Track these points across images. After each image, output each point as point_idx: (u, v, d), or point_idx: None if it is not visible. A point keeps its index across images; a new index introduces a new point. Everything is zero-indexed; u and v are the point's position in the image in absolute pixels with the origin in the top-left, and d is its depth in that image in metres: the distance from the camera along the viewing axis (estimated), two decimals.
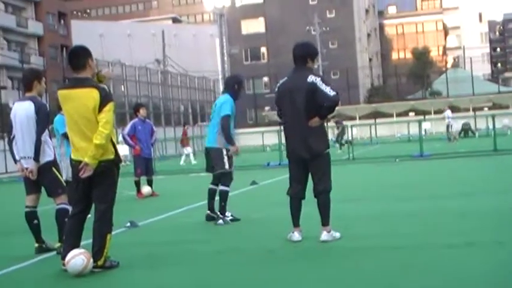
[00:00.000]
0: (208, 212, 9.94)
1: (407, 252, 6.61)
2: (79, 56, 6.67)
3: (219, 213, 9.68)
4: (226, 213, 9.71)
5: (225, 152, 9.71)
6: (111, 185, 6.71)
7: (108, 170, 6.57)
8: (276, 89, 7.83)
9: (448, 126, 37.61)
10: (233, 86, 9.94)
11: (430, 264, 5.95)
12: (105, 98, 6.43)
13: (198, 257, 7.19)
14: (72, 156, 6.67)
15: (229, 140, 9.67)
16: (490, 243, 6.74)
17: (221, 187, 9.81)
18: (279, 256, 6.94)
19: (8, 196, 19.20)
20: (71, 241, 6.66)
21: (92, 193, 6.66)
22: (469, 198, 10.79)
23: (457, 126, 39.39)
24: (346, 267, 6.18)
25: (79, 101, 6.45)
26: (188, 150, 33.23)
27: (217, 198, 9.86)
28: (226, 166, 9.73)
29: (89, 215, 6.86)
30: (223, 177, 9.81)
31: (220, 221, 9.54)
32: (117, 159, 6.71)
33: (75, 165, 6.60)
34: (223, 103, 9.71)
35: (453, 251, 6.54)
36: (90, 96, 6.41)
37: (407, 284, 5.35)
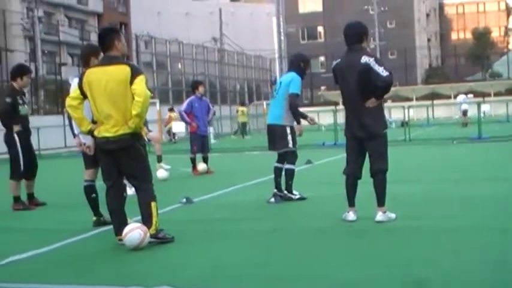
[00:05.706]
0: (275, 190, 9.86)
1: (462, 235, 6.54)
2: (105, 36, 6.87)
3: (286, 191, 9.69)
4: (294, 192, 9.72)
5: (289, 130, 9.68)
6: (140, 159, 6.85)
7: (131, 145, 6.72)
8: (332, 70, 7.82)
9: (463, 112, 36.75)
10: (298, 64, 9.80)
11: (483, 247, 5.88)
12: (135, 72, 6.64)
13: (252, 235, 7.23)
14: (102, 134, 6.74)
15: (297, 118, 9.69)
16: None
17: (287, 166, 9.80)
18: (332, 235, 6.94)
19: (67, 170, 19.54)
20: (117, 217, 6.90)
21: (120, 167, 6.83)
22: None
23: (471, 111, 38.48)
24: (400, 247, 6.13)
25: (112, 77, 6.62)
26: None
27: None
28: (290, 144, 9.71)
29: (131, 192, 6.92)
30: (287, 156, 9.79)
31: (272, 199, 9.54)
32: (139, 134, 6.89)
33: (101, 142, 6.76)
34: (291, 81, 9.59)
35: (509, 234, 6.46)
36: (122, 71, 6.61)
37: (459, 264, 5.29)
